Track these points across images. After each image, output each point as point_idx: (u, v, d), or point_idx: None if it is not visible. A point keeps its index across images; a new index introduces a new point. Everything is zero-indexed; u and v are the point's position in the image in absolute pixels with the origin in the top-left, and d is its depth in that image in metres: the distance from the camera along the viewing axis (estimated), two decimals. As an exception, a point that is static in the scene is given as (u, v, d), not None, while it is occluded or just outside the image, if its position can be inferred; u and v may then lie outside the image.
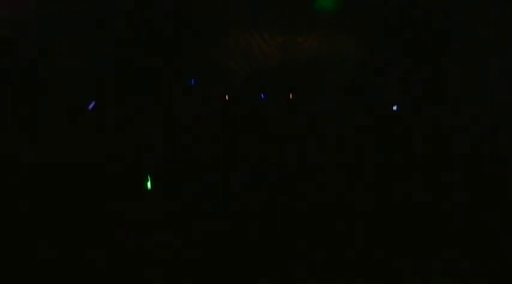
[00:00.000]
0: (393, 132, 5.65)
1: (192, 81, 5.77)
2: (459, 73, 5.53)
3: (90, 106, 5.10)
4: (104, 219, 4.45)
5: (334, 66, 6.20)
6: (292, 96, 6.01)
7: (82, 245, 4.21)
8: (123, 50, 5.52)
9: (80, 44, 5.40)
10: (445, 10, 5.67)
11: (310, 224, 4.68)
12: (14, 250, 4.13)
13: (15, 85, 5.17)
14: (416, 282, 4.07)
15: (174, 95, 5.63)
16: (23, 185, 4.67)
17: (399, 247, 4.37)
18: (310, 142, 5.62)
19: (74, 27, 5.43)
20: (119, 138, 5.13)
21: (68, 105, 5.19)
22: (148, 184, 4.89)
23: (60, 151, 4.91)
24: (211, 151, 5.37)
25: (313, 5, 5.84)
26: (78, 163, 4.90)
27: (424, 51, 5.80)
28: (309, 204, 4.90)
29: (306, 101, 6.03)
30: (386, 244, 4.40)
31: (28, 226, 4.34)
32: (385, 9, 5.97)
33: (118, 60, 5.49)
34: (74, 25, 5.42)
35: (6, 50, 5.29)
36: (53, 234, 4.29)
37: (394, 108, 5.88)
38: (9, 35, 5.31)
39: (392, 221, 4.70)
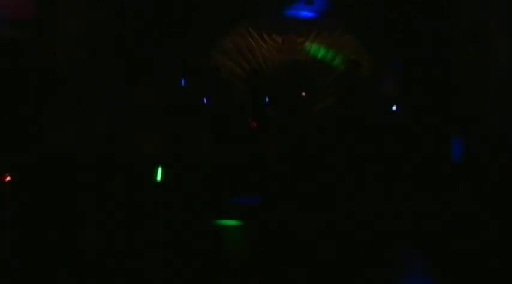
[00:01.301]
0: (393, 132, 5.65)
1: (183, 81, 5.78)
2: (461, 71, 5.54)
3: None
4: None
5: (333, 66, 6.23)
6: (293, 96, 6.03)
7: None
8: (122, 48, 5.54)
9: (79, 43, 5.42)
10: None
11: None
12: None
13: (15, 84, 5.17)
14: None
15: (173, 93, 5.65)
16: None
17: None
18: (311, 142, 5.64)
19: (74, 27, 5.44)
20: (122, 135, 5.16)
21: (69, 104, 5.19)
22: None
23: (62, 145, 4.92)
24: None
25: None
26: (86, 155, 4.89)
27: (424, 50, 5.82)
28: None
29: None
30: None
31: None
32: (385, 9, 6.01)
33: (117, 59, 5.51)
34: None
35: (7, 50, 5.28)
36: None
37: (394, 108, 5.90)
38: (9, 35, 5.31)
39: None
